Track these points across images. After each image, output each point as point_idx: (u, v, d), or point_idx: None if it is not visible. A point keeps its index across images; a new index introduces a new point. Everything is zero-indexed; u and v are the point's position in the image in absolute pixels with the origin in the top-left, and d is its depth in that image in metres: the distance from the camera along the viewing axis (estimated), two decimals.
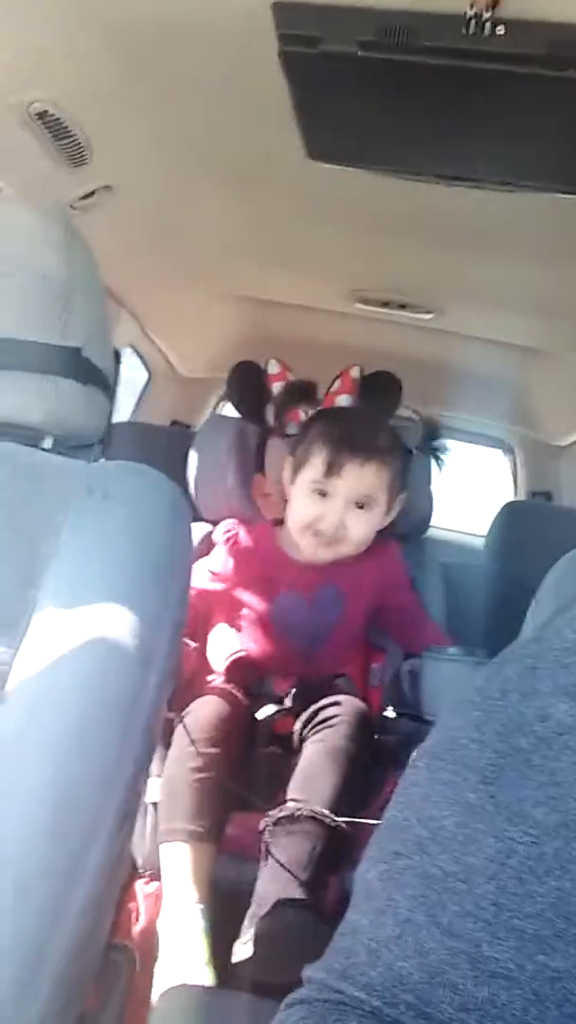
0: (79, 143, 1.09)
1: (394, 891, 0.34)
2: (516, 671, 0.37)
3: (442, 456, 1.39)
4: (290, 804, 1.04)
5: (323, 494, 1.21)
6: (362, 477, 1.19)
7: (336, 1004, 0.33)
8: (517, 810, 0.33)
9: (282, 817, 1.02)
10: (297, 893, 0.96)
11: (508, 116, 0.89)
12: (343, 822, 1.02)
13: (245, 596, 1.32)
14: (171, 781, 1.09)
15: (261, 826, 1.03)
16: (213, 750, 1.09)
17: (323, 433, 1.22)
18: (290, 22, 0.82)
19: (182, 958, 0.94)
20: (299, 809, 1.02)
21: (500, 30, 0.76)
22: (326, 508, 1.20)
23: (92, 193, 1.23)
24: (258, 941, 0.94)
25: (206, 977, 0.92)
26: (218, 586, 1.34)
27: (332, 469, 1.19)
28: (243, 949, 0.95)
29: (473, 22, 0.76)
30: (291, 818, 1.02)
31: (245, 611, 1.33)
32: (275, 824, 1.02)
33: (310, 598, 1.28)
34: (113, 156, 1.16)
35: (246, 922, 0.98)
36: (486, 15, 0.75)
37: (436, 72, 0.82)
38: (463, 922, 0.31)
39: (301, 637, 1.28)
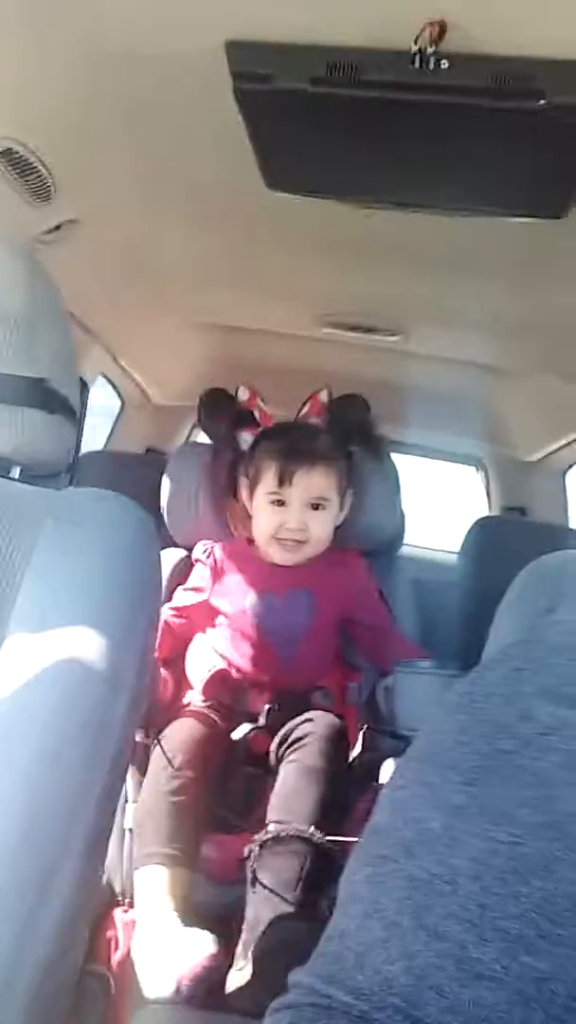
0: (43, 179, 1.11)
1: (380, 894, 0.34)
2: (500, 674, 0.38)
3: (381, 450, 1.46)
4: (273, 826, 1.04)
5: (280, 503, 1.31)
6: (312, 480, 1.30)
7: (324, 1009, 0.33)
8: (501, 811, 0.33)
9: (267, 840, 1.02)
10: (289, 914, 0.97)
11: (457, 145, 0.92)
12: (324, 836, 1.02)
13: (222, 600, 1.37)
14: (145, 804, 1.09)
15: (246, 852, 1.03)
16: (188, 773, 1.10)
17: (269, 449, 1.32)
18: (242, 60, 0.84)
19: (159, 970, 0.92)
20: (283, 830, 1.02)
21: (444, 64, 0.79)
22: (286, 515, 1.30)
23: (59, 227, 1.25)
24: (256, 964, 0.93)
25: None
26: (198, 597, 1.39)
27: (284, 479, 1.29)
28: (239, 976, 0.95)
29: (418, 57, 0.79)
30: (276, 839, 1.02)
31: (221, 617, 1.37)
32: (260, 848, 1.02)
33: (282, 599, 1.34)
34: (78, 190, 1.18)
35: (239, 950, 0.97)
36: (430, 50, 0.78)
37: (385, 105, 0.85)
38: (448, 924, 0.31)
39: (275, 638, 1.32)
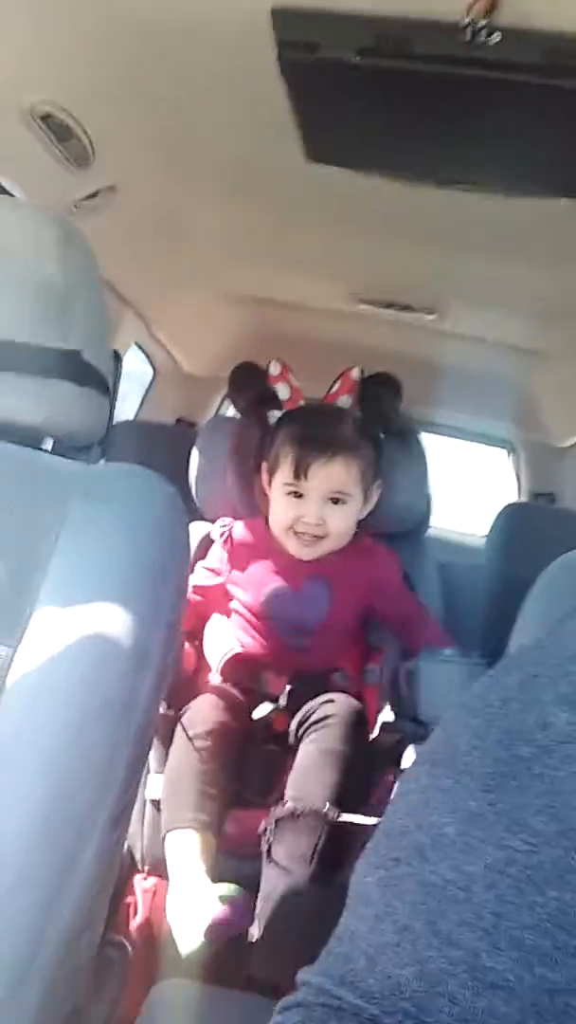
0: (82, 144, 1.10)
1: (393, 898, 0.34)
2: (517, 679, 0.37)
3: (412, 439, 1.41)
4: (290, 803, 1.06)
5: (298, 495, 1.24)
6: (330, 474, 1.21)
7: (334, 1010, 0.33)
8: (517, 819, 0.32)
9: (283, 816, 1.04)
10: (302, 888, 0.98)
11: (504, 122, 0.90)
12: (340, 813, 1.03)
13: (237, 588, 1.35)
14: (174, 774, 1.11)
15: (262, 827, 1.04)
16: (212, 745, 1.11)
17: (287, 435, 1.25)
18: (288, 28, 0.82)
19: (191, 924, 0.96)
20: (300, 806, 1.04)
21: (496, 38, 0.76)
22: (302, 509, 1.23)
23: (96, 194, 1.24)
24: (267, 935, 0.95)
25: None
26: (215, 580, 1.36)
27: (300, 470, 1.21)
28: (252, 947, 0.97)
29: (469, 30, 0.76)
30: (292, 815, 1.03)
31: (236, 604, 1.35)
32: (276, 823, 1.04)
33: (298, 590, 1.30)
34: (116, 157, 1.17)
35: (254, 924, 0.99)
36: (482, 23, 0.75)
37: (432, 79, 0.83)
38: (462, 931, 0.31)
39: (290, 629, 1.30)
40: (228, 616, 1.37)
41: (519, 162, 1.00)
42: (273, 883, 1.00)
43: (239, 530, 1.36)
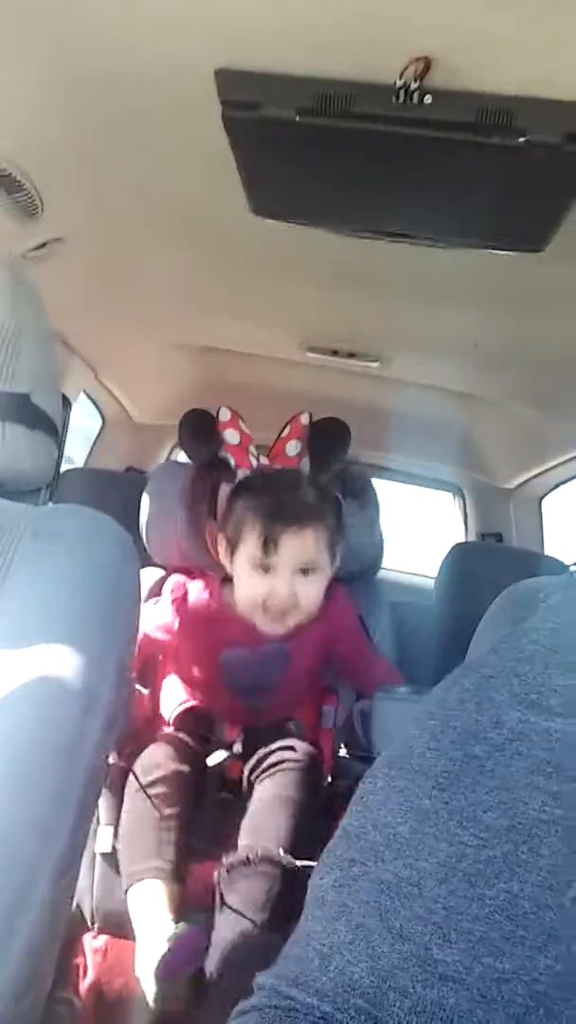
0: (30, 196, 1.11)
1: (348, 897, 0.34)
2: (473, 681, 0.38)
3: (367, 498, 1.41)
4: (243, 848, 1.03)
5: (266, 569, 1.17)
6: (302, 545, 1.16)
7: (287, 1011, 0.33)
8: (469, 815, 0.33)
9: (236, 862, 1.01)
10: (256, 935, 0.96)
11: (439, 178, 0.95)
12: (293, 859, 1.01)
13: (191, 651, 1.30)
14: (130, 823, 1.08)
15: (215, 875, 1.02)
16: (166, 791, 1.09)
17: (251, 508, 1.18)
18: (232, 88, 0.86)
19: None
20: (252, 851, 1.02)
21: (428, 99, 0.81)
22: (273, 582, 1.17)
23: (44, 244, 1.25)
24: (220, 980, 0.93)
25: None
26: (164, 636, 1.31)
27: (269, 544, 1.15)
28: (205, 993, 0.94)
29: (403, 91, 0.81)
30: (245, 862, 1.01)
31: (190, 668, 1.31)
32: (229, 871, 1.01)
33: (255, 654, 1.25)
34: (64, 209, 1.19)
35: (206, 969, 0.97)
36: (414, 85, 0.80)
37: (370, 136, 0.87)
38: (414, 926, 0.32)
39: (247, 692, 1.26)
40: (181, 677, 1.33)
41: (452, 215, 1.05)
42: (226, 930, 0.98)
43: (194, 592, 1.31)
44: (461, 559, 1.71)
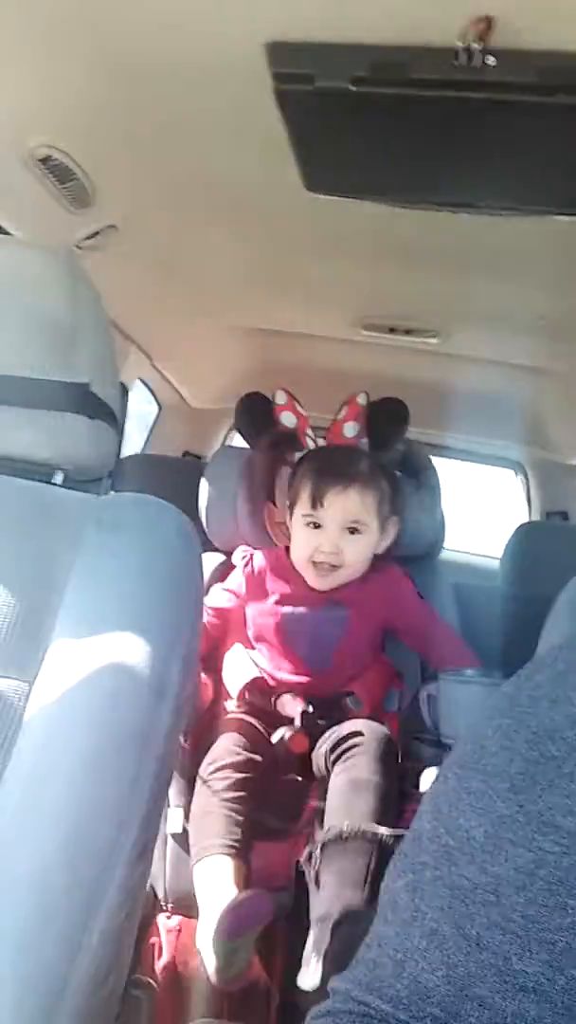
0: (83, 185, 1.11)
1: (421, 902, 0.33)
2: (547, 678, 0.37)
3: (426, 479, 1.44)
4: (334, 827, 1.03)
5: (316, 526, 1.28)
6: (346, 503, 1.26)
7: (361, 1016, 0.32)
8: (547, 819, 0.32)
9: (330, 839, 1.02)
10: (360, 911, 0.95)
11: (503, 143, 0.91)
12: (388, 832, 1.01)
13: (255, 612, 1.37)
14: (200, 808, 1.10)
15: (305, 854, 1.02)
16: (232, 776, 1.11)
17: (306, 470, 1.31)
18: (284, 61, 0.84)
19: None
20: (347, 828, 1.02)
21: (491, 60, 0.78)
22: (321, 537, 1.27)
23: (97, 233, 1.26)
24: (330, 963, 0.92)
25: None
26: (232, 602, 1.39)
27: (317, 499, 1.26)
28: (312, 976, 0.94)
29: (464, 54, 0.77)
30: (339, 838, 1.02)
31: (254, 628, 1.37)
32: (322, 848, 1.01)
33: (315, 613, 1.32)
34: (116, 196, 1.19)
35: (309, 949, 0.96)
36: (476, 46, 0.77)
37: (429, 103, 0.84)
38: (492, 934, 0.31)
39: (308, 651, 1.31)
40: (245, 643, 1.37)
41: (518, 181, 1.00)
42: (327, 908, 0.98)
43: (259, 558, 1.39)
44: (528, 539, 1.67)
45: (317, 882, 1.01)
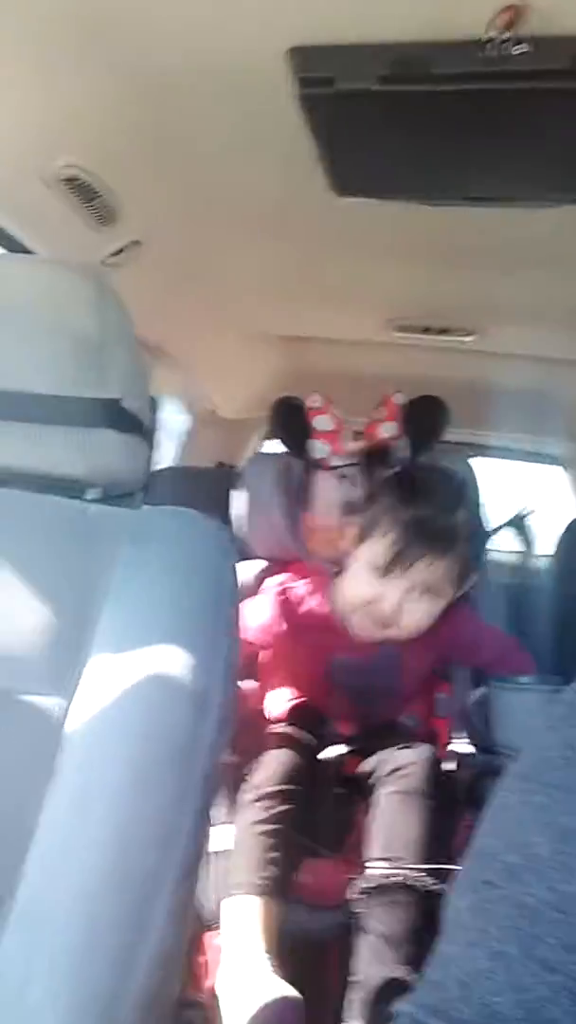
0: (107, 203, 1.12)
1: (486, 922, 0.32)
2: None
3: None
4: (378, 870, 0.99)
5: (383, 574, 1.13)
6: (432, 571, 1.12)
7: None
8: None
9: (372, 887, 0.98)
10: (400, 972, 0.92)
11: (534, 133, 0.89)
12: (432, 881, 0.96)
13: (300, 655, 1.27)
14: (236, 836, 1.06)
15: (350, 892, 0.99)
16: (281, 806, 1.06)
17: (392, 512, 1.13)
18: (306, 65, 0.83)
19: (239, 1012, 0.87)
20: (389, 877, 0.98)
21: (520, 49, 0.75)
22: (385, 590, 1.13)
23: (122, 249, 1.26)
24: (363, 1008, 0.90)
25: None
26: (268, 641, 1.27)
27: (399, 559, 1.10)
28: None
29: (491, 44, 0.75)
30: (382, 888, 0.98)
31: (300, 670, 1.28)
32: (365, 893, 0.98)
33: (367, 660, 1.21)
34: (140, 212, 1.19)
35: (351, 1006, 0.94)
36: (503, 36, 0.74)
37: (455, 98, 0.82)
38: (562, 955, 0.29)
39: (359, 697, 1.23)
40: (289, 683, 1.30)
41: (551, 171, 0.98)
42: (368, 967, 0.94)
43: (300, 591, 1.26)
44: None
45: (360, 928, 0.97)
